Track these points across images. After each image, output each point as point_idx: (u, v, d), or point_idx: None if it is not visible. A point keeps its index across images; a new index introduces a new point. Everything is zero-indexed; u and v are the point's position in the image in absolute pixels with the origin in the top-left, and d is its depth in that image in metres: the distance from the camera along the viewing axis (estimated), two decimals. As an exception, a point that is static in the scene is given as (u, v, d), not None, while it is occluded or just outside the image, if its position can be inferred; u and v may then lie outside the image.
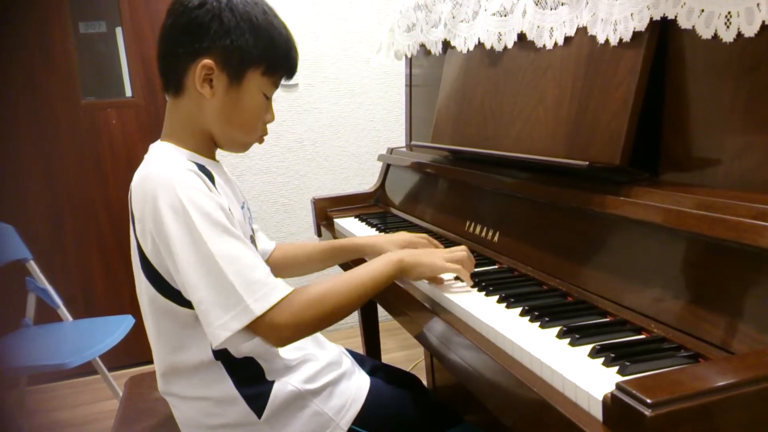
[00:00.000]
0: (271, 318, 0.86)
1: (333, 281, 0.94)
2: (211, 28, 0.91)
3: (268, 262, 1.27)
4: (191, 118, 0.96)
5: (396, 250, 1.16)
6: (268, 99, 1.00)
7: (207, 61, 0.92)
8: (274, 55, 0.96)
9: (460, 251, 1.03)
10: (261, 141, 1.03)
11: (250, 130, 1.00)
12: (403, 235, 1.23)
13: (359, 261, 1.28)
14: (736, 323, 0.69)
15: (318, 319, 0.90)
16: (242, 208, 1.03)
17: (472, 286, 1.01)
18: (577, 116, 1.04)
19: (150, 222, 0.87)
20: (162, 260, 0.89)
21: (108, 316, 2.14)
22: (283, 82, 1.02)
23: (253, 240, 1.04)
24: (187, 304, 0.89)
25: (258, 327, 0.86)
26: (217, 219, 0.86)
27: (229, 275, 0.84)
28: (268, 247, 1.27)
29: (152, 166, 0.92)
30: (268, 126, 1.03)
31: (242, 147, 1.03)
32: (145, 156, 0.97)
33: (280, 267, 1.27)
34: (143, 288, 0.94)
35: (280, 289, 0.88)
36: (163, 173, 0.88)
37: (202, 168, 0.92)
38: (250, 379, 0.96)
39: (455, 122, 1.45)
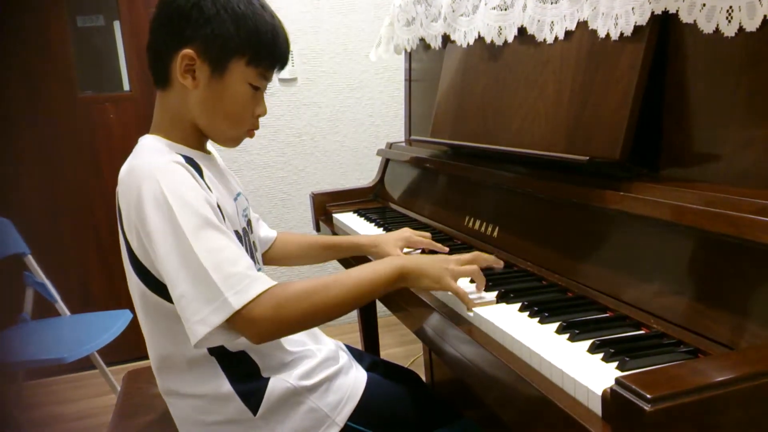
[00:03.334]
0: (249, 311, 0.81)
1: (325, 279, 0.89)
2: (192, 17, 0.90)
3: (269, 250, 1.27)
4: (178, 110, 0.96)
5: (398, 253, 1.15)
6: (258, 90, 0.97)
7: (187, 51, 0.91)
8: (258, 44, 0.94)
9: (471, 268, 0.95)
10: (251, 135, 1.01)
11: (236, 122, 0.98)
12: (404, 233, 1.21)
13: (360, 259, 1.28)
14: (736, 319, 0.69)
15: (301, 316, 0.86)
16: (235, 200, 1.02)
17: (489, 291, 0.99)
18: (578, 111, 1.03)
19: (134, 215, 0.86)
20: (147, 255, 0.88)
21: (106, 310, 2.13)
22: (278, 74, 1.00)
23: (246, 233, 1.03)
24: None
25: (236, 322, 0.82)
26: (200, 211, 0.84)
27: (208, 268, 0.81)
28: (270, 235, 1.27)
29: (137, 159, 0.91)
30: (267, 120, 1.02)
31: (231, 140, 1.01)
32: (134, 149, 0.96)
33: (280, 255, 1.27)
34: (134, 284, 0.93)
35: (261, 282, 0.84)
36: (146, 165, 0.87)
37: (189, 161, 0.91)
38: (245, 375, 0.95)
39: (455, 117, 1.44)
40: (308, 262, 1.31)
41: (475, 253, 1.00)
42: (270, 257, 1.28)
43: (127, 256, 0.92)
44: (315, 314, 0.87)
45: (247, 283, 0.82)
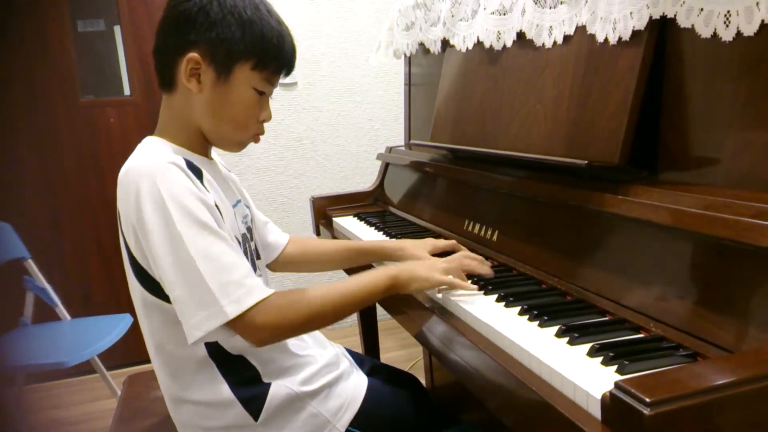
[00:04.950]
0: (251, 318, 0.85)
1: (321, 287, 0.93)
2: (198, 21, 0.91)
3: (281, 255, 1.25)
4: (182, 113, 0.96)
5: (426, 256, 1.15)
6: (263, 95, 0.98)
7: (193, 55, 0.91)
8: (263, 50, 0.94)
9: (453, 261, 1.03)
10: (257, 140, 1.01)
11: (240, 127, 0.98)
12: (431, 242, 1.20)
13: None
14: (734, 322, 0.69)
15: (300, 323, 0.90)
16: (234, 206, 1.01)
17: (479, 289, 1.00)
18: (576, 115, 1.03)
19: (132, 214, 0.87)
20: (146, 256, 0.88)
21: (106, 315, 2.13)
22: (282, 80, 1.01)
23: (246, 239, 1.03)
24: None
25: (236, 327, 0.86)
26: (197, 215, 0.85)
27: (205, 275, 0.83)
28: (281, 240, 1.25)
29: (134, 160, 0.91)
30: (267, 124, 1.02)
31: (235, 145, 1.01)
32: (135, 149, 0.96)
33: (298, 261, 1.26)
34: (134, 286, 0.93)
35: (257, 291, 0.86)
36: (143, 165, 0.88)
37: (189, 164, 0.91)
38: (246, 381, 0.95)
39: (454, 121, 1.45)
40: (328, 268, 1.30)
41: (463, 253, 1.08)
42: (285, 262, 1.26)
43: (127, 258, 0.92)
44: (312, 320, 0.91)
45: (243, 293, 0.85)
